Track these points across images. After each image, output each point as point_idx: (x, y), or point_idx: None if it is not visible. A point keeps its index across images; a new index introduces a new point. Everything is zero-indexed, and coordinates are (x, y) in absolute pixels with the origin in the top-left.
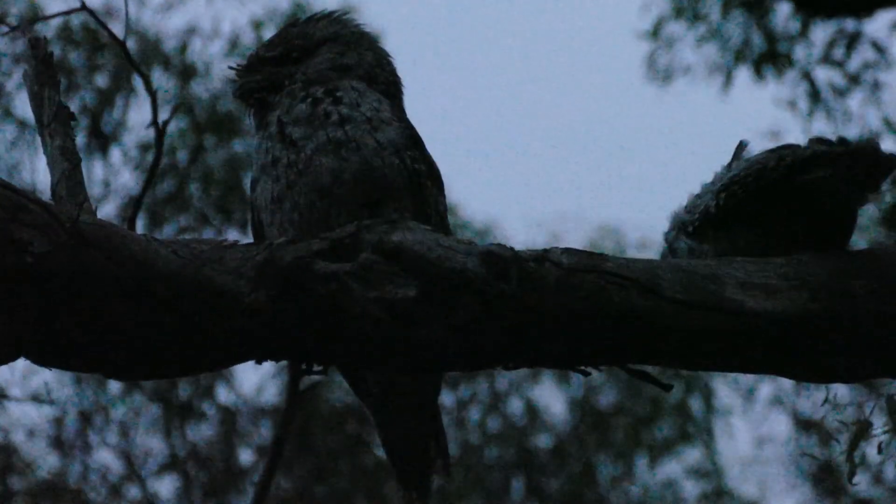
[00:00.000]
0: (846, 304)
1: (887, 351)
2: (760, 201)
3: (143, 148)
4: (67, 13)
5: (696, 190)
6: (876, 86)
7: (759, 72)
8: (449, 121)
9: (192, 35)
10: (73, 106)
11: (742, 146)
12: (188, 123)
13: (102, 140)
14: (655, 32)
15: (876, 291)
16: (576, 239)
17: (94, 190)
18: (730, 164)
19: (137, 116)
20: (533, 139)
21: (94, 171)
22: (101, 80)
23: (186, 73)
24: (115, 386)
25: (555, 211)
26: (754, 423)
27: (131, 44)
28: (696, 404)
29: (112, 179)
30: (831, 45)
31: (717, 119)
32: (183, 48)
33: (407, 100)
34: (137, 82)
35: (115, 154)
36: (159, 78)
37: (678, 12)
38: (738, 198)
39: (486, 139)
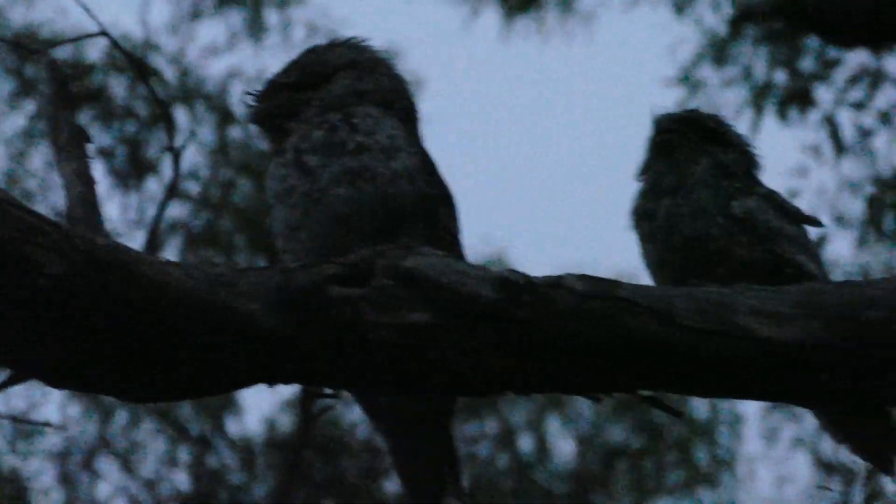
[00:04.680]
0: (859, 333)
1: None
2: None
3: (185, 178)
4: (83, 38)
5: None
6: None
7: (783, 114)
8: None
9: (235, 78)
10: (111, 137)
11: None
12: (222, 161)
13: (141, 170)
14: (685, 78)
15: (890, 321)
16: None
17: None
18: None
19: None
20: (571, 192)
21: (133, 201)
22: (144, 112)
23: (225, 113)
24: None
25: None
26: (775, 464)
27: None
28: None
29: (149, 209)
30: (853, 81)
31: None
32: (222, 90)
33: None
34: (180, 115)
35: (154, 184)
36: (201, 116)
37: (704, 55)
38: None
39: (524, 192)
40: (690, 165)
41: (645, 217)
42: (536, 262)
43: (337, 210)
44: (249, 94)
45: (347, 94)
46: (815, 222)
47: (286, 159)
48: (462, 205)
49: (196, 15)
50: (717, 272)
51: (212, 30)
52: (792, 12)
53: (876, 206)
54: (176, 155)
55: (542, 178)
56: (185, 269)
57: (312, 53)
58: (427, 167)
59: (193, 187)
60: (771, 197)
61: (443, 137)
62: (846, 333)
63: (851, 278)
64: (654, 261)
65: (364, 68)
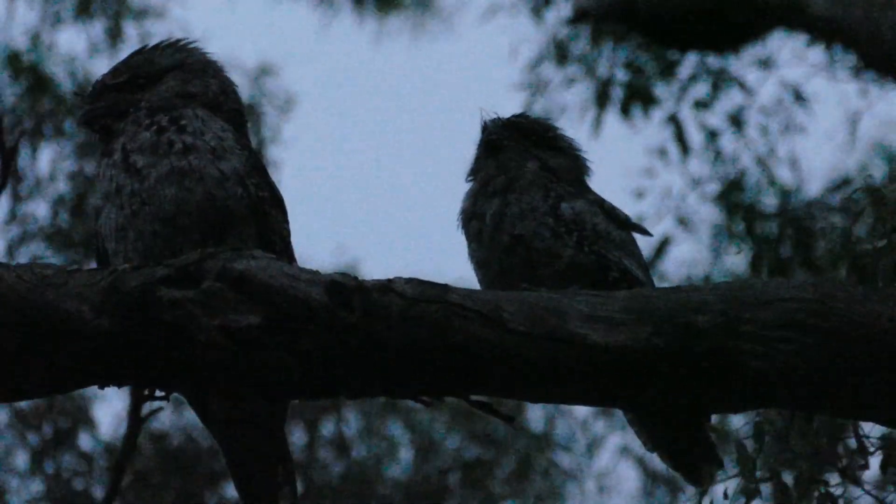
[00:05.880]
0: (689, 338)
1: (729, 387)
2: None
3: (52, 181)
4: None
5: None
6: (748, 126)
7: (626, 112)
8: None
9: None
10: None
11: None
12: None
13: (12, 175)
14: (528, 79)
15: (719, 326)
16: None
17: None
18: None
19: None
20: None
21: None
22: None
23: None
24: None
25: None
26: (602, 475)
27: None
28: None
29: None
30: (692, 80)
31: (599, 159)
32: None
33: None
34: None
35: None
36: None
37: (548, 55)
38: None
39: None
40: (518, 168)
41: (474, 217)
42: (392, 270)
43: (164, 210)
44: (78, 94)
45: (175, 95)
46: (643, 231)
47: (114, 160)
48: (313, 213)
49: (57, 21)
50: (541, 273)
51: (73, 37)
52: (623, 15)
53: (723, 209)
54: (7, 154)
55: (396, 183)
56: (15, 270)
57: (140, 55)
58: (256, 169)
59: (55, 189)
60: (600, 203)
61: (302, 147)
62: (674, 338)
63: (692, 282)
64: (480, 260)
65: (192, 70)
